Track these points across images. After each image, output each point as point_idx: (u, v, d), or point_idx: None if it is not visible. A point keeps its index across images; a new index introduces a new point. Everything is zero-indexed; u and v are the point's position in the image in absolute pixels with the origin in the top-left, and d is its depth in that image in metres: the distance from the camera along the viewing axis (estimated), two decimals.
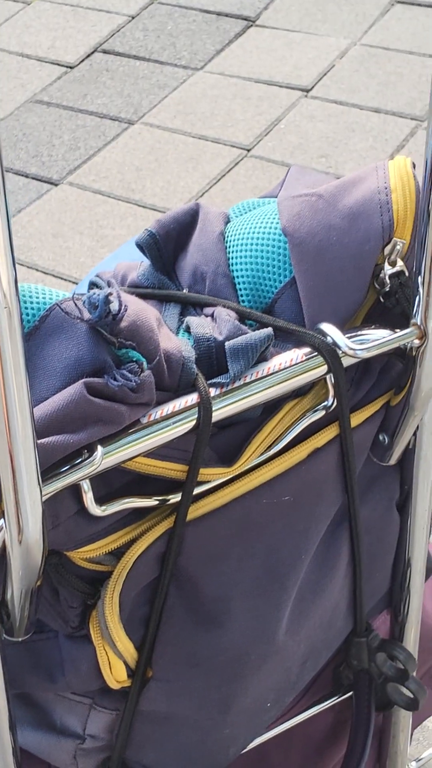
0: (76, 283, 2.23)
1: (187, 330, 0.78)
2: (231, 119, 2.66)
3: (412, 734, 1.11)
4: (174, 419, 0.72)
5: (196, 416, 0.73)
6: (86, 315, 0.70)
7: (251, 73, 2.81)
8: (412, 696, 0.94)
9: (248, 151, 2.56)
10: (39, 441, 0.66)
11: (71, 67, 2.92)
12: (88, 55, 2.95)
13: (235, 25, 3.00)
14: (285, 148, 2.55)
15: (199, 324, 0.77)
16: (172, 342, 0.74)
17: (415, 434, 0.85)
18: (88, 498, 0.71)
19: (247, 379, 0.75)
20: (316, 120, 2.63)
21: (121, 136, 2.65)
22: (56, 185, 2.53)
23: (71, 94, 2.82)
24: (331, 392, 0.79)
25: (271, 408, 0.78)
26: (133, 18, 3.08)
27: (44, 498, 0.67)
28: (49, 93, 2.83)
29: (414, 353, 0.80)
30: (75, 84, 2.85)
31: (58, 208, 2.46)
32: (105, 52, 2.96)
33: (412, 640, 0.98)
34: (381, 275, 0.79)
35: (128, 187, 2.49)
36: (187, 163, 2.55)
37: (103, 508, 0.73)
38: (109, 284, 0.75)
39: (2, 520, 0.67)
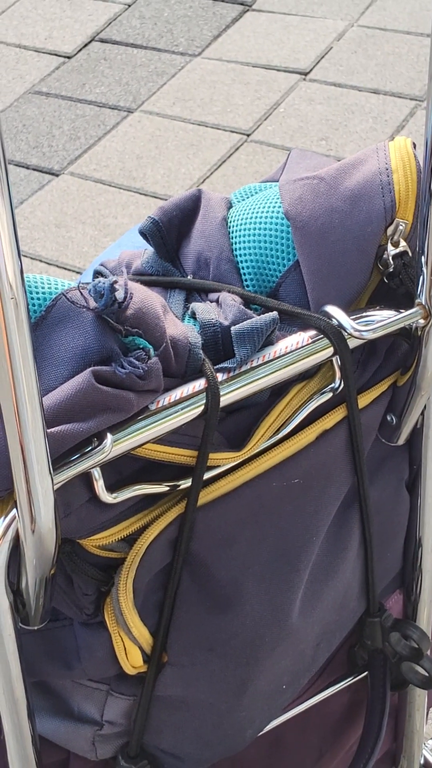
0: (80, 273, 2.24)
1: (193, 316, 0.78)
2: (230, 104, 2.66)
3: (428, 713, 1.11)
4: (182, 405, 0.73)
5: (204, 402, 0.73)
6: (92, 303, 0.70)
7: (249, 57, 2.81)
8: (426, 675, 0.94)
9: (248, 136, 2.56)
10: (49, 430, 0.66)
11: (69, 57, 2.91)
12: (86, 45, 2.95)
13: (231, 10, 2.99)
14: (285, 132, 2.55)
15: (205, 310, 0.77)
16: (179, 328, 0.74)
17: (422, 414, 0.85)
18: (99, 486, 0.72)
19: (254, 364, 0.75)
20: (315, 103, 2.62)
21: (120, 125, 2.65)
22: (57, 176, 2.53)
23: (70, 84, 2.81)
24: (338, 374, 0.79)
25: (278, 391, 0.78)
26: (129, 6, 3.07)
27: (56, 487, 0.67)
28: (47, 84, 2.83)
29: (419, 333, 0.80)
30: (73, 74, 2.85)
31: (60, 199, 2.46)
32: (102, 41, 2.96)
33: (425, 619, 0.98)
34: (384, 256, 0.79)
35: (129, 176, 2.49)
36: (188, 149, 2.54)
37: (114, 495, 0.73)
38: (114, 272, 0.76)
39: (15, 510, 0.67)
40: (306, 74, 2.72)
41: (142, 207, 2.40)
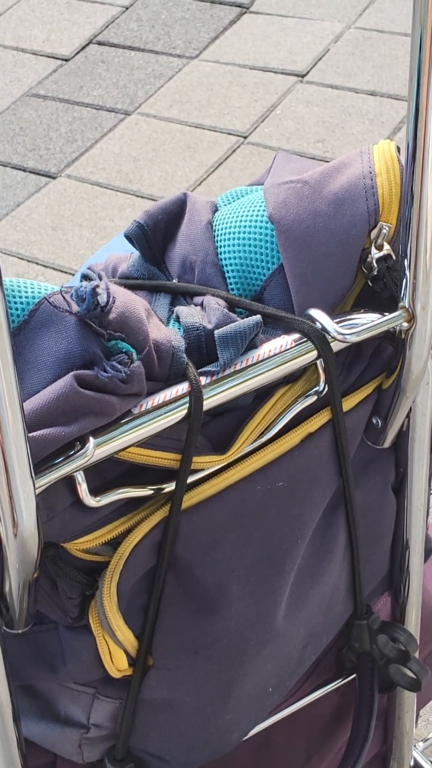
0: None
1: (177, 320, 0.78)
2: (227, 107, 2.66)
3: (418, 715, 1.11)
4: (165, 409, 0.73)
5: (187, 405, 0.73)
6: (74, 308, 0.70)
7: (246, 60, 2.81)
8: (414, 677, 0.95)
9: (245, 138, 2.56)
10: (30, 434, 0.67)
11: (66, 60, 2.92)
12: (83, 47, 2.96)
13: (229, 13, 3.00)
14: (282, 134, 2.55)
15: (189, 313, 0.77)
16: (162, 332, 0.74)
17: (408, 416, 0.85)
18: (83, 489, 0.72)
19: (238, 367, 0.75)
20: (312, 105, 2.63)
21: (117, 127, 2.66)
22: (54, 178, 2.53)
23: (67, 86, 2.82)
24: (322, 377, 0.79)
25: (262, 395, 0.79)
26: (127, 9, 3.08)
27: (38, 491, 0.68)
28: (45, 86, 2.83)
29: (403, 336, 0.80)
30: (71, 76, 2.85)
31: (57, 201, 2.46)
32: (100, 43, 2.96)
33: (413, 622, 0.98)
34: (368, 259, 0.79)
35: (126, 178, 2.50)
36: (185, 152, 2.55)
37: (98, 499, 0.73)
38: (99, 277, 0.76)
39: None
40: (303, 76, 2.73)
41: (139, 209, 2.40)
